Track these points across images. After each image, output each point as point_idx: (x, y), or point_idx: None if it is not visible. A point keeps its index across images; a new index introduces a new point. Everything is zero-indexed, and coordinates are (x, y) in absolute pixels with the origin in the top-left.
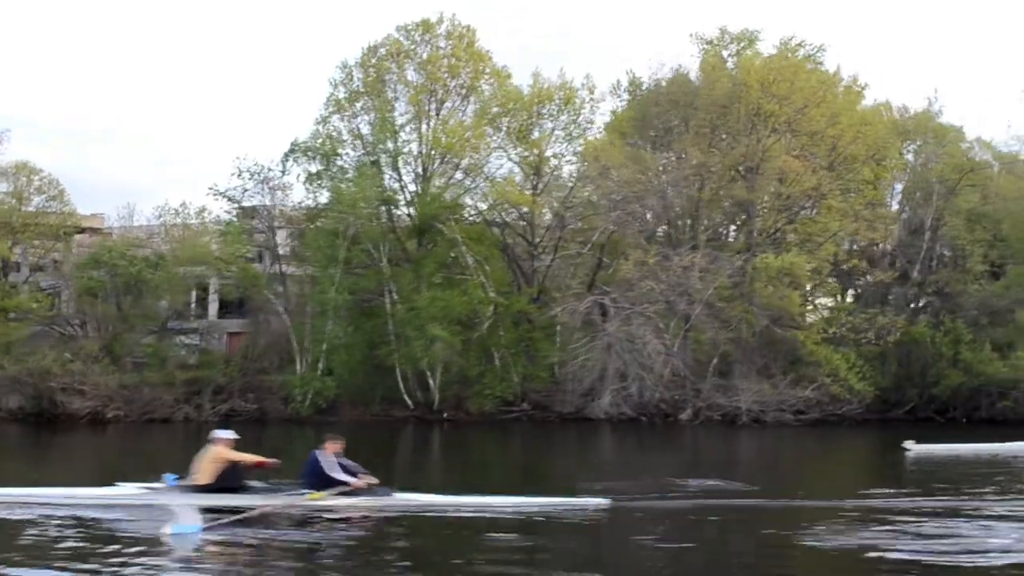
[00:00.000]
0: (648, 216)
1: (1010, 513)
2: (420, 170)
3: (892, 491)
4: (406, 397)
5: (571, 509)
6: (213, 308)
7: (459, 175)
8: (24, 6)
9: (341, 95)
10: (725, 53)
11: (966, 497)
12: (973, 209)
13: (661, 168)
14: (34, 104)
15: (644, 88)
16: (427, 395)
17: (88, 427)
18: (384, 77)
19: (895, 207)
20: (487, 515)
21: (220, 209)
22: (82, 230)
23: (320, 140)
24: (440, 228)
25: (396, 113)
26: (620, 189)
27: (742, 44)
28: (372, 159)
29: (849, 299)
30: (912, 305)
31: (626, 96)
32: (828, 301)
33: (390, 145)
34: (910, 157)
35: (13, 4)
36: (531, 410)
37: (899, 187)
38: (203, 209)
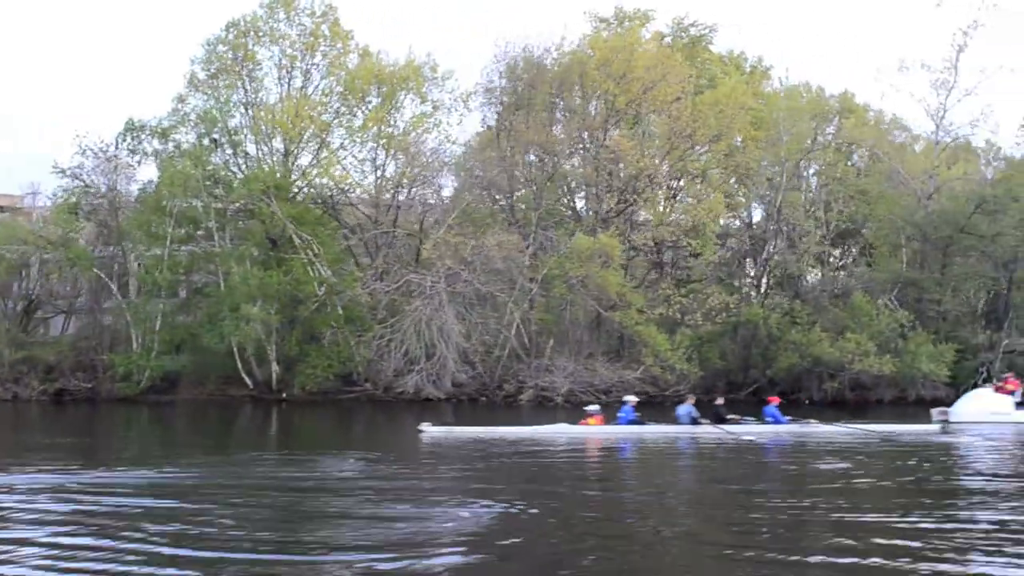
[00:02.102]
0: (466, 194)
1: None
2: (278, 147)
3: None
4: (244, 376)
5: None
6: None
7: (307, 153)
8: None
9: (200, 73)
10: (620, 31)
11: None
12: (823, 189)
13: (478, 145)
14: None
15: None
16: (266, 373)
17: None
18: (248, 53)
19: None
20: None
21: (57, 187)
22: None
23: (160, 120)
24: (263, 207)
25: (250, 91)
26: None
27: (635, 23)
28: (213, 137)
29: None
30: (759, 286)
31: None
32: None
33: (238, 122)
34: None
35: None
36: (372, 389)
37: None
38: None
